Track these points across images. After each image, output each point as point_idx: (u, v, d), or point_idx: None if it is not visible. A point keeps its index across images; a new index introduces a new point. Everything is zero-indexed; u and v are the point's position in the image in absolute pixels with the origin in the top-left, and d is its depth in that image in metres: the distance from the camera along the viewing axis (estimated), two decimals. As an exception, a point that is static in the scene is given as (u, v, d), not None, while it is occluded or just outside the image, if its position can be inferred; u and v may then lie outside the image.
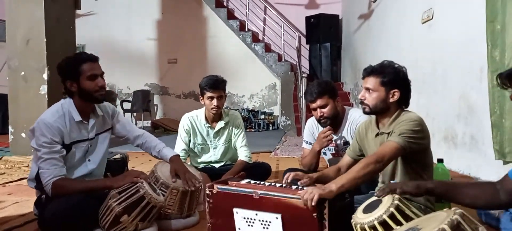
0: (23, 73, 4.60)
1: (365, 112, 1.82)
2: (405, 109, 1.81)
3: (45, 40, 4.55)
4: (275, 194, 1.57)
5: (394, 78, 1.74)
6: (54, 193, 1.78)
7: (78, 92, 1.88)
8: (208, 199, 1.65)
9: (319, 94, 2.28)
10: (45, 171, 1.79)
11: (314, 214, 1.44)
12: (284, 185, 1.75)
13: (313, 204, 1.41)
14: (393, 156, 1.64)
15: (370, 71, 1.78)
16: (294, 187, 1.71)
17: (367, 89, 1.77)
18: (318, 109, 2.31)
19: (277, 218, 1.51)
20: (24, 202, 2.50)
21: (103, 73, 1.93)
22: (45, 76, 4.55)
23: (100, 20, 8.79)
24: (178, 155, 2.12)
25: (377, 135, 1.82)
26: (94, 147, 1.99)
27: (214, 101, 2.56)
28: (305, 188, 1.59)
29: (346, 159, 2.00)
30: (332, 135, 2.34)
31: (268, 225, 1.55)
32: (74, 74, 1.86)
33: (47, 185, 1.78)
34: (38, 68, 4.56)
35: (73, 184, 1.84)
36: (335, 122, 2.37)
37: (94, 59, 1.91)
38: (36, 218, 1.95)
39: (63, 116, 1.88)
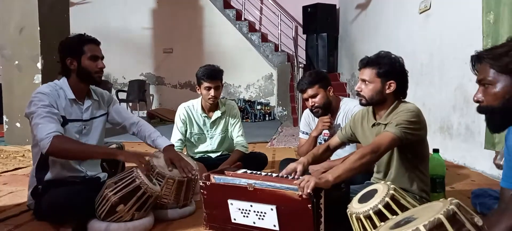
0: (17, 62, 4.55)
1: (361, 104, 1.82)
2: (403, 100, 1.81)
3: (39, 28, 4.49)
4: (270, 185, 1.57)
5: (390, 69, 1.73)
6: (52, 149, 1.71)
7: (77, 70, 1.90)
8: (202, 191, 1.65)
9: (309, 84, 2.32)
10: (45, 125, 1.73)
11: (309, 205, 1.44)
12: (280, 175, 1.76)
13: (308, 190, 1.42)
14: (389, 147, 1.64)
15: (366, 63, 1.77)
16: (290, 177, 1.71)
17: (363, 81, 1.76)
18: (310, 99, 2.34)
19: (272, 209, 1.52)
20: (19, 192, 2.48)
21: (103, 57, 1.96)
22: (39, 65, 4.50)
23: (95, 9, 8.69)
24: (172, 145, 2.12)
25: (373, 125, 1.82)
26: (88, 130, 1.98)
27: (211, 92, 2.55)
28: (301, 177, 1.60)
29: (335, 139, 2.03)
30: (332, 123, 2.38)
31: (263, 216, 1.55)
32: (77, 52, 1.88)
33: (46, 139, 1.70)
34: (32, 57, 4.51)
35: (75, 144, 1.81)
36: (327, 111, 2.38)
37: (97, 42, 1.95)
38: (30, 209, 1.94)
39: (57, 91, 1.89)
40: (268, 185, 1.58)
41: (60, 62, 1.92)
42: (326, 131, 2.42)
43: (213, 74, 2.55)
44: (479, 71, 1.30)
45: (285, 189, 1.52)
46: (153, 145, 2.10)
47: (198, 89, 2.62)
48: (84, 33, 1.95)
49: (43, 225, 1.82)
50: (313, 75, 2.36)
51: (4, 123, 4.66)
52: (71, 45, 1.90)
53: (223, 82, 2.69)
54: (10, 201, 2.29)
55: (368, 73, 1.75)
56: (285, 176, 1.73)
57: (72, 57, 1.89)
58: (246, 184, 1.57)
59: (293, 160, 2.46)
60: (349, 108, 2.38)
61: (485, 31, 2.77)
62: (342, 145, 2.03)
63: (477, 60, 1.31)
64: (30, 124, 1.82)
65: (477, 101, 1.30)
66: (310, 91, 2.32)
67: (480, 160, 3.04)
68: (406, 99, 1.83)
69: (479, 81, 1.30)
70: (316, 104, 2.34)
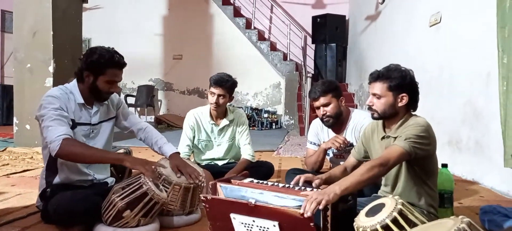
0: (29, 65, 4.62)
1: (374, 118, 1.81)
2: (413, 113, 1.79)
3: (51, 33, 4.57)
4: (275, 196, 1.56)
5: (401, 82, 1.72)
6: (61, 152, 1.72)
7: (90, 85, 1.91)
8: (204, 204, 1.65)
9: (322, 92, 2.30)
10: (55, 128, 1.74)
11: (311, 224, 1.42)
12: (287, 186, 1.75)
13: (320, 208, 1.40)
14: (398, 161, 1.63)
15: (376, 77, 1.76)
16: (296, 188, 1.70)
17: (375, 95, 1.75)
18: (321, 108, 2.33)
19: (274, 225, 1.50)
20: (27, 194, 2.51)
21: (121, 80, 1.97)
22: (51, 68, 4.57)
23: (107, 14, 8.82)
24: (178, 152, 2.12)
25: (383, 138, 1.81)
26: (96, 133, 1.99)
27: (214, 98, 2.58)
28: (307, 190, 1.59)
29: (351, 159, 2.00)
30: (344, 144, 2.31)
31: (266, 230, 1.54)
32: (97, 71, 1.88)
33: (56, 141, 1.71)
34: (44, 60, 4.58)
35: (83, 148, 1.81)
36: (338, 121, 2.37)
37: (122, 67, 1.93)
38: (39, 210, 1.96)
39: (67, 94, 1.90)
40: (273, 196, 1.57)
41: (79, 67, 1.92)
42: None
43: (219, 82, 2.56)
44: None
45: (287, 208, 1.50)
46: (159, 152, 2.11)
47: (208, 93, 2.65)
48: (115, 54, 1.90)
49: (50, 229, 1.83)
50: (327, 84, 2.35)
51: (14, 124, 4.72)
52: (96, 63, 1.87)
53: (234, 94, 2.69)
54: (18, 202, 2.31)
55: (379, 87, 1.74)
56: (291, 186, 1.72)
57: (90, 73, 1.89)
58: (246, 200, 1.56)
59: (300, 171, 2.46)
60: (359, 120, 2.37)
61: (501, 46, 2.75)
62: (359, 164, 1.98)
63: None
64: (40, 126, 1.84)
65: None
66: (322, 100, 2.31)
67: (489, 175, 3.00)
68: (415, 113, 1.82)
69: None
70: (327, 114, 2.32)
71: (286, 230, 1.49)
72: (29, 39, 4.62)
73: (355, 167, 1.96)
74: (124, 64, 1.94)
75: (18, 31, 4.69)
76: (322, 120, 2.39)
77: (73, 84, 1.94)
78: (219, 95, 2.57)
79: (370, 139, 1.91)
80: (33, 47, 4.61)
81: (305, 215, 1.39)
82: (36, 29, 4.60)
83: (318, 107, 2.34)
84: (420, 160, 1.70)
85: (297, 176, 1.73)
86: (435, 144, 1.74)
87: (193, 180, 1.94)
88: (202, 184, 2.00)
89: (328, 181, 1.82)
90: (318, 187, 1.73)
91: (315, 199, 1.40)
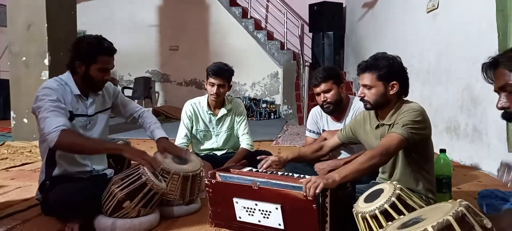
0: (24, 58, 4.58)
1: (367, 109, 1.80)
2: (405, 99, 1.79)
3: (46, 25, 4.51)
4: (275, 183, 1.57)
5: (390, 70, 1.71)
6: (60, 143, 1.71)
7: (83, 75, 1.89)
8: (207, 189, 1.66)
9: (323, 79, 2.29)
10: (52, 119, 1.73)
11: (313, 205, 1.43)
12: (286, 174, 1.76)
13: (317, 191, 1.41)
14: (398, 148, 1.63)
15: (364, 68, 1.75)
16: (295, 175, 1.71)
17: (365, 86, 1.75)
18: (322, 94, 2.31)
19: (277, 208, 1.52)
20: (26, 187, 2.51)
21: (113, 67, 1.95)
22: (46, 61, 4.53)
23: (102, 5, 8.73)
24: (166, 137, 2.13)
25: (377, 126, 1.81)
26: (93, 125, 1.99)
27: (214, 88, 2.57)
28: (307, 177, 1.60)
29: (334, 139, 2.03)
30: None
31: (268, 214, 1.55)
32: (88, 59, 1.87)
33: (54, 132, 1.70)
34: (39, 53, 4.54)
35: (82, 138, 1.80)
36: (338, 108, 2.37)
37: (112, 53, 1.92)
38: (39, 203, 1.96)
39: (63, 86, 1.89)
40: (273, 183, 1.58)
41: (70, 59, 1.91)
42: None
43: (218, 72, 2.56)
44: (497, 77, 1.23)
45: (290, 189, 1.51)
46: (151, 136, 2.14)
47: (206, 84, 2.64)
48: (104, 41, 1.89)
49: (50, 221, 1.84)
50: (328, 70, 2.33)
51: (11, 119, 4.70)
52: (86, 51, 1.86)
53: (231, 83, 2.69)
54: (18, 196, 2.31)
55: (368, 78, 1.73)
56: (290, 174, 1.73)
57: (82, 62, 1.87)
58: (251, 182, 1.57)
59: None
60: (359, 107, 2.36)
61: (501, 29, 2.74)
62: (340, 146, 2.01)
63: (492, 66, 1.24)
64: (36, 118, 1.83)
65: (502, 108, 1.24)
66: (323, 86, 2.30)
67: (487, 160, 3.01)
68: (411, 99, 1.81)
69: (500, 88, 1.23)
70: (328, 100, 2.31)
71: (288, 213, 1.51)
72: (23, 33, 4.56)
73: (335, 148, 2.01)
74: (114, 51, 1.93)
75: (12, 25, 4.63)
76: (322, 106, 2.38)
77: (67, 76, 1.93)
78: (219, 86, 2.57)
79: (361, 127, 1.91)
80: (28, 41, 4.56)
81: (308, 197, 1.41)
82: (30, 22, 4.55)
83: (319, 94, 2.33)
84: (417, 145, 1.70)
85: (262, 162, 1.86)
86: (431, 128, 1.75)
87: (183, 155, 1.98)
88: (201, 173, 2.01)
89: (297, 160, 1.93)
90: (286, 161, 1.87)
91: (313, 183, 1.41)
